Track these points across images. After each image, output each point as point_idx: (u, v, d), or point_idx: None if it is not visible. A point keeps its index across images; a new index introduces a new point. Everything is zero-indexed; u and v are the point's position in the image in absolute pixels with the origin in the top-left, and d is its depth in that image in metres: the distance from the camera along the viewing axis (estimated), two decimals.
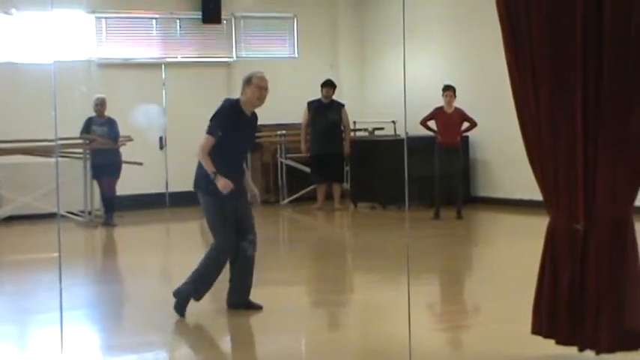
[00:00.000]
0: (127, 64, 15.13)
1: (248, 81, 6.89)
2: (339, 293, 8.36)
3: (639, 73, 4.86)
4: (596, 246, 5.04)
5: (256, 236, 7.05)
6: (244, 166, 7.13)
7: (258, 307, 7.03)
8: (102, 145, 12.81)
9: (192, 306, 7.20)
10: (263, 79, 6.90)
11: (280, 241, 12.67)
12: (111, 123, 12.93)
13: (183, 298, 6.89)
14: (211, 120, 6.86)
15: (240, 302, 7.03)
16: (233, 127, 6.80)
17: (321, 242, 11.84)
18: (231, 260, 7.00)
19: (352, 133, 14.86)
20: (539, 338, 5.28)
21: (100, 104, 12.96)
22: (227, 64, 15.69)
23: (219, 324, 6.98)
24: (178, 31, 15.53)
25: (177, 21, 15.49)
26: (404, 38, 11.80)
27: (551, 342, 5.23)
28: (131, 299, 8.24)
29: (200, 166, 6.91)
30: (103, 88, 13.87)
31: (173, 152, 14.95)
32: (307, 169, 14.65)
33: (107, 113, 12.99)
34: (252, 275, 7.02)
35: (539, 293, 5.26)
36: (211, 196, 6.81)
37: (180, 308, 6.87)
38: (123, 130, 13.04)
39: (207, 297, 8.16)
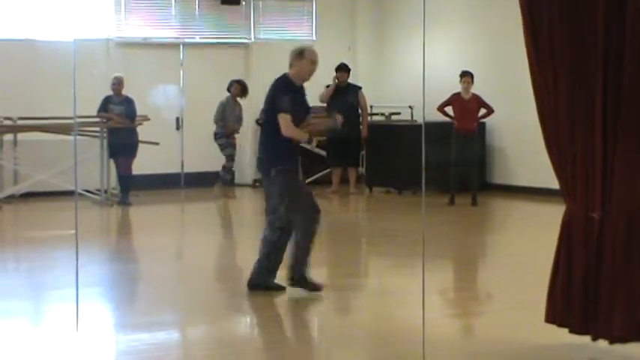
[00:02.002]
0: (145, 44, 15.12)
1: (300, 54, 6.98)
2: (353, 277, 8.37)
3: None
4: (612, 235, 5.02)
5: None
6: None
7: (282, 288, 7.07)
8: (118, 124, 12.82)
9: (210, 287, 7.22)
10: (315, 53, 7.08)
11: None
12: (128, 102, 12.95)
13: (302, 279, 6.97)
14: (275, 99, 6.86)
15: (261, 283, 7.07)
16: (294, 101, 6.88)
17: (336, 226, 11.81)
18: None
19: (369, 117, 14.78)
20: (553, 327, 5.29)
21: (118, 83, 12.97)
22: (245, 46, 15.63)
23: (233, 305, 6.99)
24: (197, 12, 15.51)
25: (197, 1, 15.46)
26: (424, 23, 11.78)
27: (565, 330, 5.24)
28: (145, 278, 8.28)
29: (267, 148, 6.97)
30: (122, 67, 13.87)
31: (189, 133, 14.98)
32: (323, 153, 14.63)
33: (125, 92, 13.00)
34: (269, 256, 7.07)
35: (554, 282, 5.25)
36: (284, 173, 6.87)
37: (303, 284, 6.98)
38: (140, 110, 13.04)
39: (224, 278, 8.19)
